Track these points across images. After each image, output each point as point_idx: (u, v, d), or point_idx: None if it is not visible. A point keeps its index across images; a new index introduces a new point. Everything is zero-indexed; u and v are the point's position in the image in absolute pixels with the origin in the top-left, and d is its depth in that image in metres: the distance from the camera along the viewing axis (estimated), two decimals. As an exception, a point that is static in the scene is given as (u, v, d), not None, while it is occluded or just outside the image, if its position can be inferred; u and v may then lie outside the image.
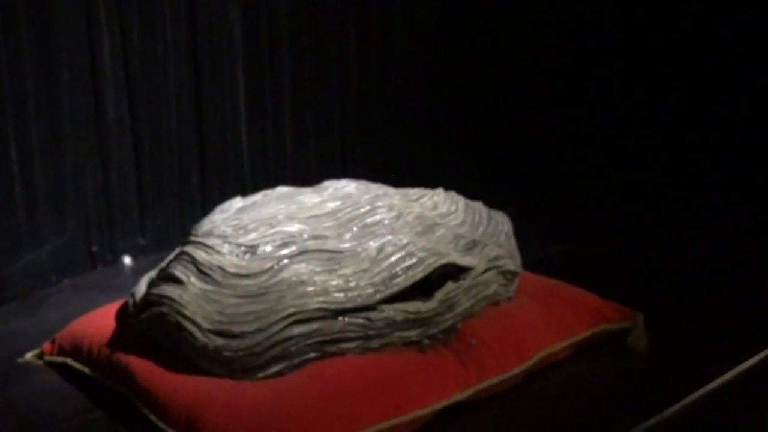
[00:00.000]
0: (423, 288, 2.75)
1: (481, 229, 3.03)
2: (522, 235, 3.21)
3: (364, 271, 2.70)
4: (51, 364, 2.95)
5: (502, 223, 3.15)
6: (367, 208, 2.90)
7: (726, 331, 3.11)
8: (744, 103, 4.54)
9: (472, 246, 2.93)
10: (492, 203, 3.23)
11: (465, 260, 2.85)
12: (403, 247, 2.77)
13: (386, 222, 2.87)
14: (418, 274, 2.74)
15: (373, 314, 2.66)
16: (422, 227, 2.91)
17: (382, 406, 2.45)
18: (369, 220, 2.86)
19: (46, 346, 3.00)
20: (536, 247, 3.65)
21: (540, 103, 5.07)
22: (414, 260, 2.75)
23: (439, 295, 2.76)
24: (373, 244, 2.77)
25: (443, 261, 2.79)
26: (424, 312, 2.71)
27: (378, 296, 2.67)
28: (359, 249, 2.76)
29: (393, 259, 2.74)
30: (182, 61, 4.00)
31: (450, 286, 2.80)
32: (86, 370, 2.83)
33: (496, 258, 2.95)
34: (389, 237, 2.80)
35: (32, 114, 3.55)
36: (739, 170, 4.43)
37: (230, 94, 4.17)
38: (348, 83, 4.61)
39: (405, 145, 4.81)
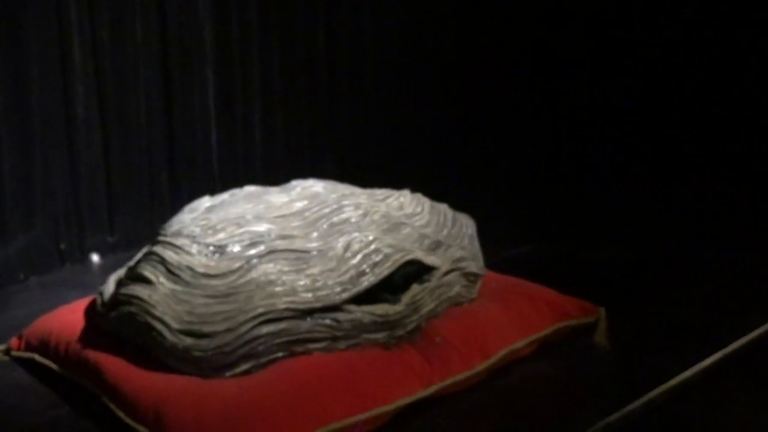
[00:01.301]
0: (388, 287, 2.78)
1: (445, 231, 3.07)
2: (488, 235, 3.25)
3: (332, 270, 2.73)
4: (18, 360, 2.96)
5: (467, 225, 3.19)
6: (334, 206, 2.92)
7: (687, 330, 3.16)
8: (713, 105, 4.58)
9: (435, 246, 2.97)
10: (458, 203, 3.27)
11: (429, 259, 2.89)
12: (369, 243, 2.80)
13: (353, 220, 2.89)
14: (385, 271, 2.77)
15: (340, 315, 2.68)
16: (388, 225, 2.94)
17: (348, 402, 2.48)
18: (336, 219, 2.89)
19: (13, 341, 3.00)
20: (502, 247, 3.69)
21: (507, 104, 5.11)
22: (380, 256, 2.78)
23: (406, 298, 2.79)
24: (340, 242, 2.80)
25: (409, 257, 2.82)
26: (392, 315, 2.74)
27: (345, 295, 2.70)
28: (326, 248, 2.79)
29: (360, 256, 2.77)
30: (152, 59, 4.01)
31: (416, 288, 2.83)
32: (53, 365, 2.83)
33: (459, 260, 2.98)
34: (356, 234, 2.83)
35: (1, 111, 3.55)
36: (703, 172, 4.48)
37: (200, 93, 4.18)
38: (317, 84, 4.63)
39: (372, 146, 4.84)
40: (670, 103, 4.65)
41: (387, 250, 2.80)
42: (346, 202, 2.95)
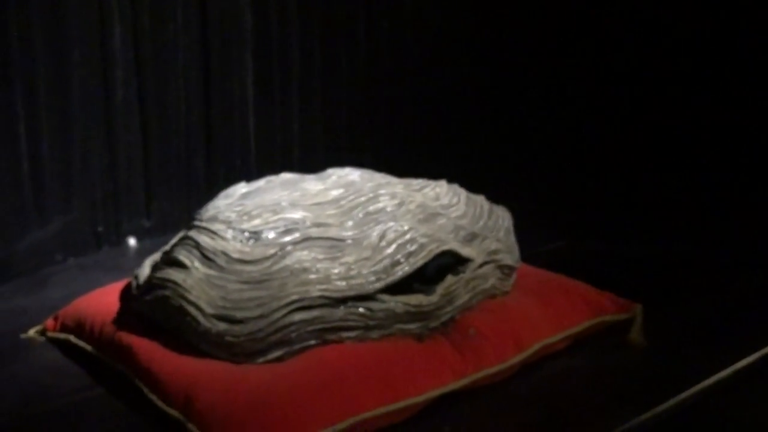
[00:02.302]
0: (421, 278, 2.76)
1: (481, 223, 3.05)
2: (523, 229, 3.22)
3: (366, 259, 2.72)
4: (53, 341, 2.98)
5: (503, 218, 3.16)
6: (370, 195, 2.91)
7: (724, 329, 3.12)
8: (746, 102, 4.53)
9: (471, 238, 2.95)
10: (494, 197, 3.25)
11: (465, 251, 2.87)
12: (404, 233, 2.79)
13: (388, 209, 2.88)
14: (420, 260, 2.75)
15: (374, 305, 2.67)
16: (424, 215, 2.93)
17: (378, 391, 2.47)
18: (371, 208, 2.88)
19: (49, 322, 3.03)
20: (537, 241, 3.67)
21: (543, 98, 5.08)
22: (415, 246, 2.77)
23: (441, 289, 2.77)
24: (375, 231, 2.79)
25: (444, 247, 2.81)
26: (426, 306, 2.72)
27: (379, 284, 2.69)
28: (361, 236, 2.78)
29: (395, 245, 2.76)
30: (192, 44, 4.02)
31: (451, 279, 2.81)
32: (88, 347, 2.85)
33: (495, 252, 2.96)
34: (391, 223, 2.82)
35: (41, 93, 3.58)
36: (740, 167, 4.43)
37: (239, 79, 4.19)
38: (356, 73, 4.63)
39: (410, 136, 4.83)
40: (713, 97, 4.60)
41: (422, 240, 2.79)
42: (381, 191, 2.94)
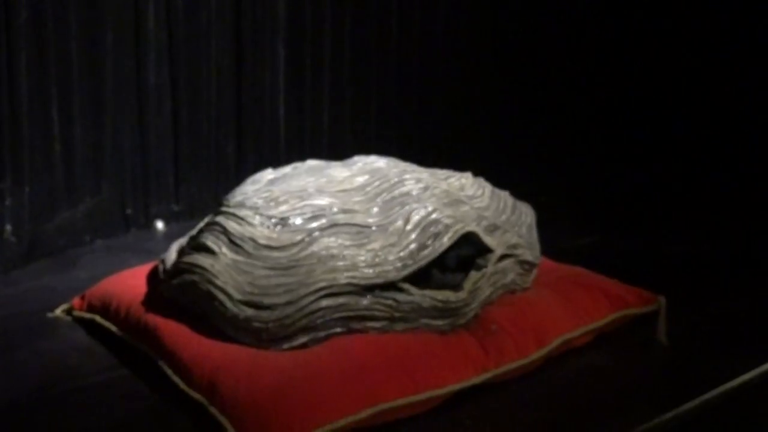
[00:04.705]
0: (441, 266, 2.76)
1: (504, 217, 3.04)
2: (550, 225, 3.21)
3: (393, 245, 2.72)
4: (79, 320, 3.01)
5: (526, 214, 3.16)
6: (395, 180, 2.91)
7: (750, 330, 3.10)
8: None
9: (493, 229, 2.94)
10: (521, 192, 3.24)
11: (486, 239, 2.86)
12: (429, 214, 2.79)
13: (414, 193, 2.88)
14: (445, 242, 2.75)
15: (400, 296, 2.67)
16: (449, 200, 2.92)
17: (400, 383, 2.47)
18: (396, 192, 2.87)
19: (76, 302, 3.06)
20: (563, 237, 3.66)
21: (572, 93, 5.06)
22: (440, 227, 2.76)
23: (468, 285, 2.76)
24: (400, 215, 2.79)
25: (469, 228, 2.80)
26: (454, 302, 2.71)
27: (405, 271, 2.69)
28: (386, 222, 2.78)
29: (420, 228, 2.75)
30: (225, 31, 4.04)
31: (475, 275, 2.80)
32: (113, 328, 2.88)
33: (515, 246, 2.95)
34: (415, 205, 2.81)
35: (75, 76, 3.61)
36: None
37: (270, 67, 4.20)
38: (387, 64, 4.63)
39: (438, 130, 4.83)
40: (747, 97, 4.56)
41: (447, 221, 2.78)
42: (407, 176, 2.94)
